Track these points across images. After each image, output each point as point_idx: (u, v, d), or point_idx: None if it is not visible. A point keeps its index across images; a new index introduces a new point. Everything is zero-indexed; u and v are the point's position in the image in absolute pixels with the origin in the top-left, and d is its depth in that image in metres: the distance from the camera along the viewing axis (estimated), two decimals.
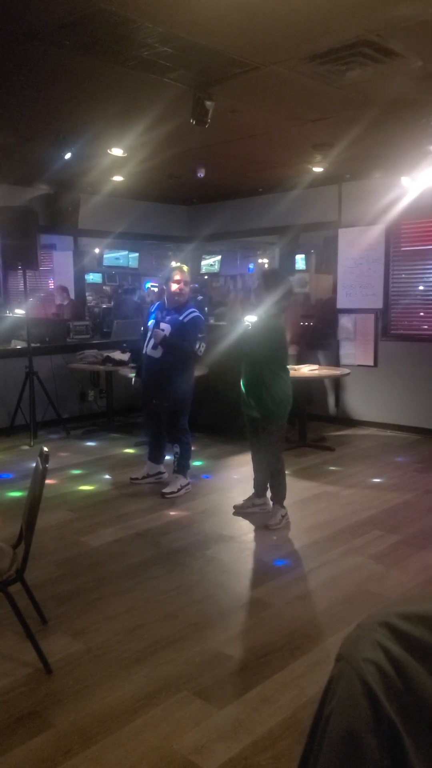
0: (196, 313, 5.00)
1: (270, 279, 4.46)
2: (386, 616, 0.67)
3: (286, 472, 4.64)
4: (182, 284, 5.02)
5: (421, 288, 7.34)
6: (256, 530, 4.42)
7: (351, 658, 0.64)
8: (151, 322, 5.10)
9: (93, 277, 11.89)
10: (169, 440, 5.35)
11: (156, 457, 5.49)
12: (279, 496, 4.52)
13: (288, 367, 4.53)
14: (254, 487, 4.76)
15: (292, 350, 7.25)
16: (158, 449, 5.49)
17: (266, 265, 12.11)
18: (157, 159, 6.27)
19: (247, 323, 4.52)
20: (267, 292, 4.34)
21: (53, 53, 3.70)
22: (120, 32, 3.38)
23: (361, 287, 7.53)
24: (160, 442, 5.45)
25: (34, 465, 2.85)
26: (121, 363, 7.03)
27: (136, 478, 5.49)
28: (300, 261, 10.32)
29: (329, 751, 0.62)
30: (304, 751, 0.67)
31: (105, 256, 11.16)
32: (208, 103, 4.21)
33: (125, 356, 7.08)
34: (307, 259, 10.36)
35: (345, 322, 7.71)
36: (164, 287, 5.27)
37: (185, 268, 5.17)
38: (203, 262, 11.49)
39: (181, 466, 5.21)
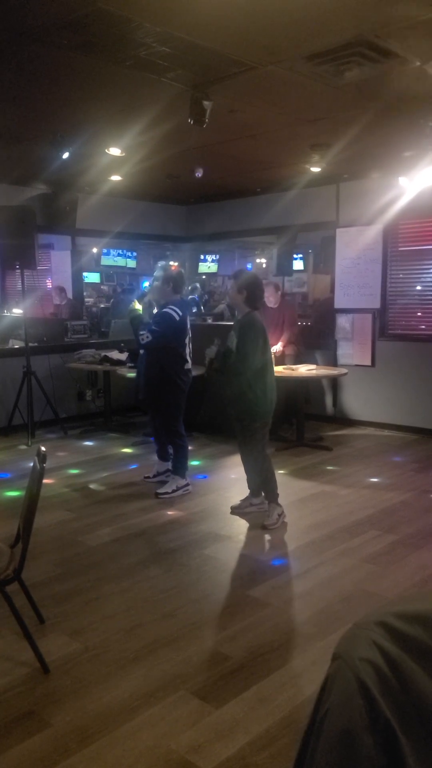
0: (166, 309, 4.95)
1: (239, 281, 4.49)
2: (382, 616, 0.67)
3: (284, 471, 4.64)
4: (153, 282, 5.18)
5: (418, 288, 7.34)
6: (253, 530, 4.42)
7: (347, 657, 0.64)
8: None
9: (91, 277, 11.87)
10: (165, 441, 5.39)
11: (162, 455, 5.50)
12: (271, 494, 4.53)
13: (269, 365, 4.50)
14: (249, 488, 4.76)
15: (289, 350, 7.29)
16: (162, 447, 5.49)
17: (263, 265, 12.13)
18: (155, 159, 6.27)
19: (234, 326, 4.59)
20: (238, 293, 4.40)
21: (51, 53, 3.69)
22: (118, 32, 3.38)
23: (359, 287, 7.53)
24: (162, 440, 5.46)
25: (31, 464, 2.85)
26: (119, 363, 7.03)
27: (149, 477, 5.51)
28: (298, 261, 10.32)
29: (325, 750, 0.62)
30: (299, 750, 0.67)
31: (103, 255, 11.15)
32: (206, 103, 4.21)
33: (123, 356, 7.08)
34: (305, 259, 10.36)
35: (343, 321, 7.71)
36: None
37: (162, 266, 5.14)
38: (201, 262, 11.49)
39: (176, 467, 5.21)
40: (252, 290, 4.42)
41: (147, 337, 4.82)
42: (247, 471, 4.73)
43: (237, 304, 4.51)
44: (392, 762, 0.60)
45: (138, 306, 5.14)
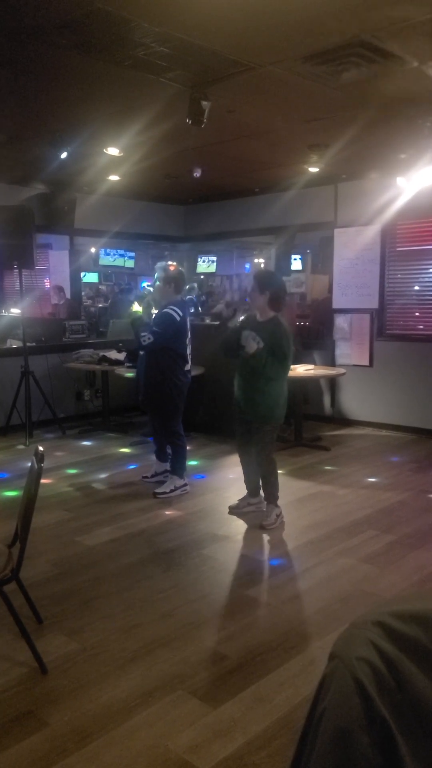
0: (166, 310, 4.93)
1: (263, 280, 4.44)
2: (379, 615, 0.67)
3: (282, 471, 4.64)
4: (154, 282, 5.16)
5: (416, 288, 7.35)
6: (251, 530, 4.43)
7: (344, 656, 0.64)
8: None
9: (89, 277, 11.87)
10: (163, 441, 5.40)
11: (160, 455, 5.50)
12: (272, 496, 4.53)
13: (288, 367, 4.50)
14: (247, 488, 4.76)
15: None
16: (161, 447, 5.49)
17: (262, 265, 12.12)
18: (154, 159, 6.27)
19: (242, 324, 4.52)
20: (261, 294, 4.34)
21: (50, 53, 3.69)
22: (117, 32, 3.38)
23: (357, 287, 7.54)
24: (161, 440, 5.46)
25: (29, 464, 2.85)
26: (117, 362, 7.03)
27: (147, 477, 5.51)
28: (296, 261, 10.33)
29: (322, 750, 0.62)
30: (296, 750, 0.67)
31: (101, 255, 11.15)
32: (204, 103, 4.21)
33: (121, 356, 7.08)
34: (303, 260, 10.37)
35: (341, 322, 7.72)
36: None
37: (161, 266, 5.10)
38: (199, 263, 11.49)
39: (174, 467, 5.21)
40: (275, 290, 4.34)
41: (148, 338, 4.82)
42: (246, 471, 4.73)
43: (260, 307, 4.36)
44: (389, 761, 0.60)
45: (138, 308, 5.14)
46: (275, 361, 4.25)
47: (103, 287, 12.54)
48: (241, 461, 4.73)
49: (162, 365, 4.96)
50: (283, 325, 4.34)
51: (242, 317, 4.59)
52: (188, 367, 5.12)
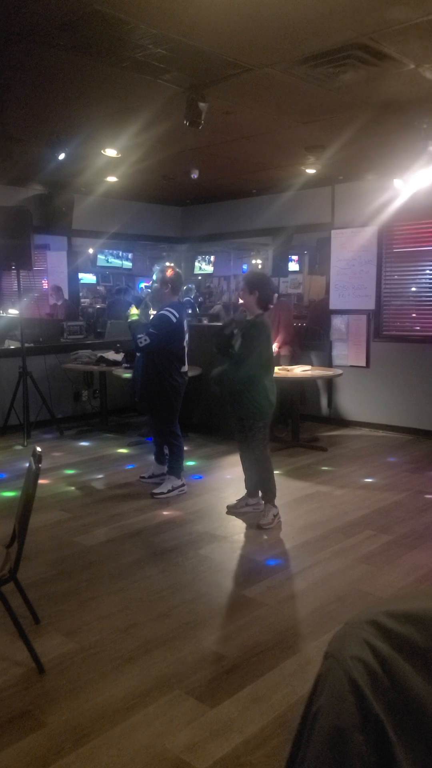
0: (163, 311, 4.96)
1: (251, 281, 4.50)
2: (374, 615, 0.68)
3: (279, 472, 4.63)
4: (152, 284, 5.18)
5: (413, 289, 7.36)
6: (248, 530, 4.44)
7: (338, 655, 0.65)
8: None
9: (87, 278, 11.84)
10: (162, 443, 5.41)
11: (159, 458, 5.50)
12: (269, 495, 4.54)
13: (271, 365, 4.53)
14: (246, 488, 4.78)
15: (284, 351, 7.30)
16: (160, 450, 5.50)
17: (259, 266, 12.14)
18: (151, 160, 6.27)
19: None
20: (250, 294, 4.39)
21: (48, 54, 3.70)
22: (114, 33, 3.39)
23: (354, 288, 7.55)
24: (160, 443, 5.47)
25: (27, 465, 2.86)
26: (115, 363, 7.03)
27: (144, 477, 5.52)
28: (293, 262, 10.34)
29: (316, 749, 0.63)
30: (291, 749, 0.68)
31: (98, 256, 11.14)
32: (201, 105, 4.22)
33: (119, 356, 7.08)
34: (300, 261, 10.38)
35: (338, 323, 7.73)
36: None
37: (159, 269, 5.14)
38: (197, 263, 11.50)
39: (172, 468, 5.22)
40: (263, 289, 4.42)
41: (145, 340, 4.84)
42: (245, 471, 4.75)
43: (249, 306, 4.46)
44: (383, 760, 0.61)
45: (135, 311, 5.16)
46: (239, 355, 4.31)
47: (101, 288, 12.52)
48: (241, 460, 4.76)
49: (158, 366, 4.98)
50: (263, 323, 4.41)
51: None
52: (185, 368, 5.14)
